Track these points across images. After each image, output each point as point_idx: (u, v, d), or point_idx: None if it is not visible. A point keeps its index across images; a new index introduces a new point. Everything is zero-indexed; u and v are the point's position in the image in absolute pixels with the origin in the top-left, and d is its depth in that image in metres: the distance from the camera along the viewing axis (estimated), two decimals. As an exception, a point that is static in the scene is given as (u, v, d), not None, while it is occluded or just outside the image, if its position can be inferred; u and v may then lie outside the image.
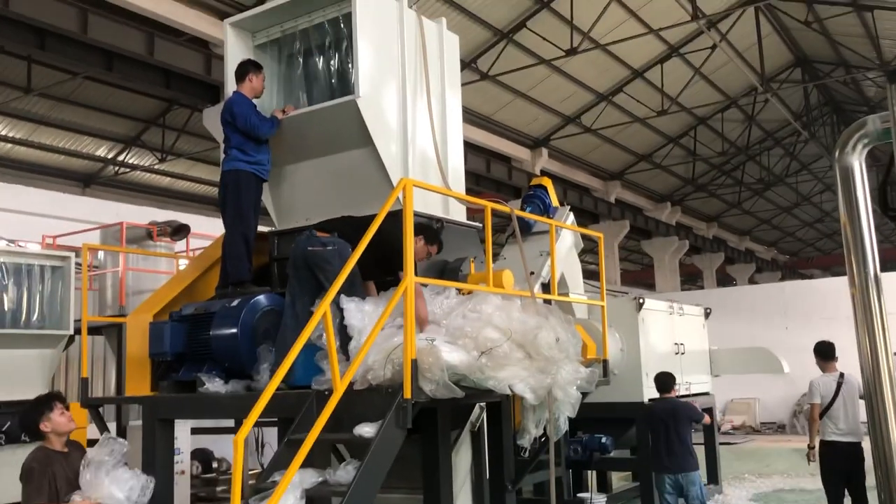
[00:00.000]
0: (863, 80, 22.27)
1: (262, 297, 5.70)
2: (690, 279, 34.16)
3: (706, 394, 10.44)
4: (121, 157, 18.77)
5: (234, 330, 5.52)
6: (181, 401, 5.78)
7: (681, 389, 8.92)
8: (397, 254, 4.74)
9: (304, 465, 4.02)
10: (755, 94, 21.40)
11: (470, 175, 16.45)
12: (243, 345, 5.49)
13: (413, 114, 6.06)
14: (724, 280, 34.01)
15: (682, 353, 10.02)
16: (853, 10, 17.64)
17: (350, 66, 5.82)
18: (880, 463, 4.72)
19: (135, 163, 19.09)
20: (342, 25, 5.94)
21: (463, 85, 7.24)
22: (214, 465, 10.90)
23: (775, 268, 37.52)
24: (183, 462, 8.59)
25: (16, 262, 7.90)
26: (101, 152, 18.48)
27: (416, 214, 4.92)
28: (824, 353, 7.75)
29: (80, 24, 10.82)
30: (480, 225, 6.30)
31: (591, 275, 10.04)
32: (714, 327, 11.18)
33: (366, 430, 4.39)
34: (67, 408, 4.96)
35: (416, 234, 4.90)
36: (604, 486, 10.15)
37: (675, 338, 10.00)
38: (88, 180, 19.16)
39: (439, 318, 5.14)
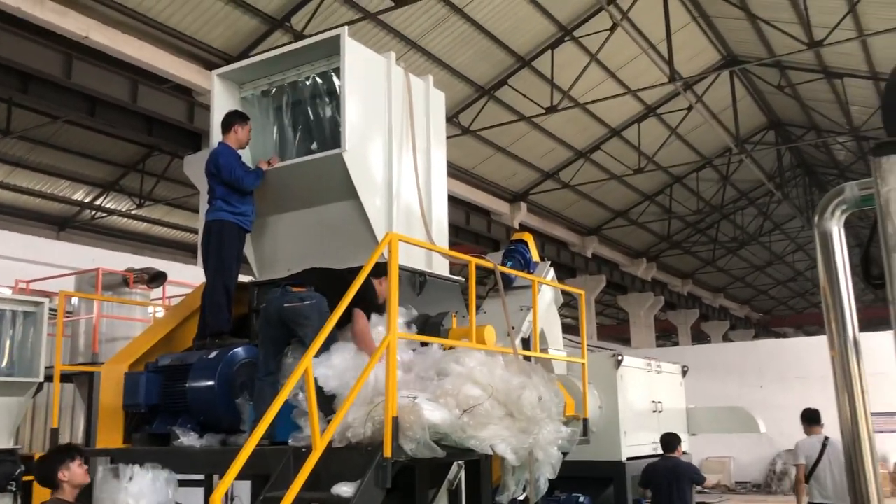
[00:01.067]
0: (833, 144, 22.85)
1: (240, 350, 5.59)
2: (665, 335, 34.31)
3: (684, 453, 10.35)
4: (98, 202, 18.64)
5: (210, 382, 5.41)
6: (154, 454, 5.62)
7: (659, 448, 8.87)
8: (359, 297, 4.68)
9: (281, 525, 3.91)
10: (729, 155, 21.87)
11: (450, 227, 16.47)
12: (220, 398, 5.37)
13: (398, 168, 6.08)
14: (699, 336, 34.21)
15: (660, 412, 9.98)
16: (824, 77, 18.20)
17: (337, 119, 5.86)
18: (862, 529, 4.71)
19: (112, 207, 18.96)
20: (330, 79, 5.99)
21: (445, 139, 7.29)
22: (182, 519, 10.59)
23: (749, 325, 37.89)
24: (150, 516, 8.33)
25: (-13, 307, 7.75)
26: (79, 196, 18.35)
27: (401, 268, 4.90)
28: (810, 418, 8.01)
29: (65, 70, 10.85)
30: (463, 279, 6.29)
31: (567, 328, 9.96)
32: (689, 384, 11.17)
33: (344, 489, 4.28)
34: (85, 461, 4.89)
35: (372, 274, 4.83)
36: (580, 546, 9.98)
37: (653, 395, 9.96)
38: (64, 224, 18.98)
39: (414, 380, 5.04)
